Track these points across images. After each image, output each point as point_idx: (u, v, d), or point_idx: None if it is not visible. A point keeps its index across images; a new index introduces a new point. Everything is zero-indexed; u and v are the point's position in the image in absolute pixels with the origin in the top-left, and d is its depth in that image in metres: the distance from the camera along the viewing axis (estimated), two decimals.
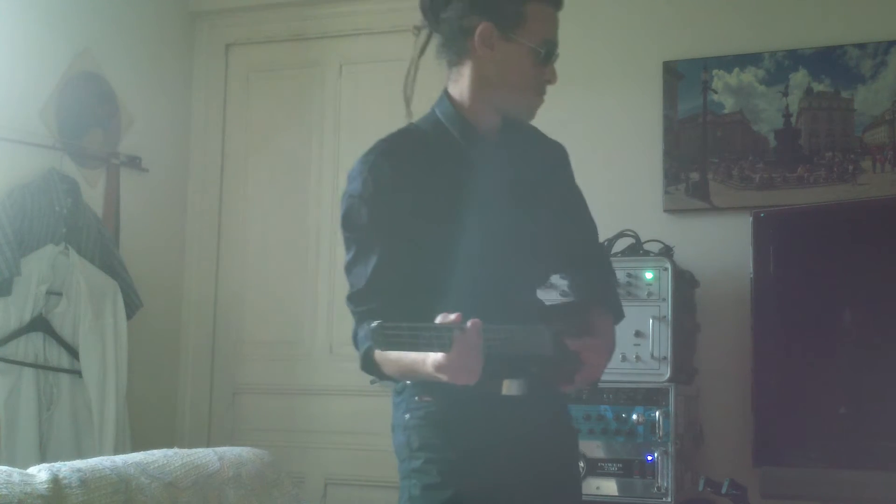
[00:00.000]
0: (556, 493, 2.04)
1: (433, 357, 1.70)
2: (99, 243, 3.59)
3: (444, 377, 1.71)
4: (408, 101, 2.05)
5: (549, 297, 2.32)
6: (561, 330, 1.97)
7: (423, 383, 1.94)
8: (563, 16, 1.98)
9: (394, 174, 1.91)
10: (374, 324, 1.58)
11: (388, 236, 1.90)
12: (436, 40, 2.02)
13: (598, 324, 2.06)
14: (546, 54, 1.96)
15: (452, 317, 1.65)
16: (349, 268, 1.94)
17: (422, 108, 2.09)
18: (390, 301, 1.86)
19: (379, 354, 1.85)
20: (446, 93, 2.03)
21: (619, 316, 2.15)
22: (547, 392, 2.02)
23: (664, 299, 3.03)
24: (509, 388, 1.95)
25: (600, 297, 2.14)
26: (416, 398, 1.96)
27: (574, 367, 1.96)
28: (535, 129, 2.14)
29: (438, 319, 1.66)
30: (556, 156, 2.15)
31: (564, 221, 2.13)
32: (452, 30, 1.96)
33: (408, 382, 1.99)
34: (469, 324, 1.66)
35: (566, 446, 2.13)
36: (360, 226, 1.92)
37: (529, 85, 1.98)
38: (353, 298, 1.93)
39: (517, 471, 1.96)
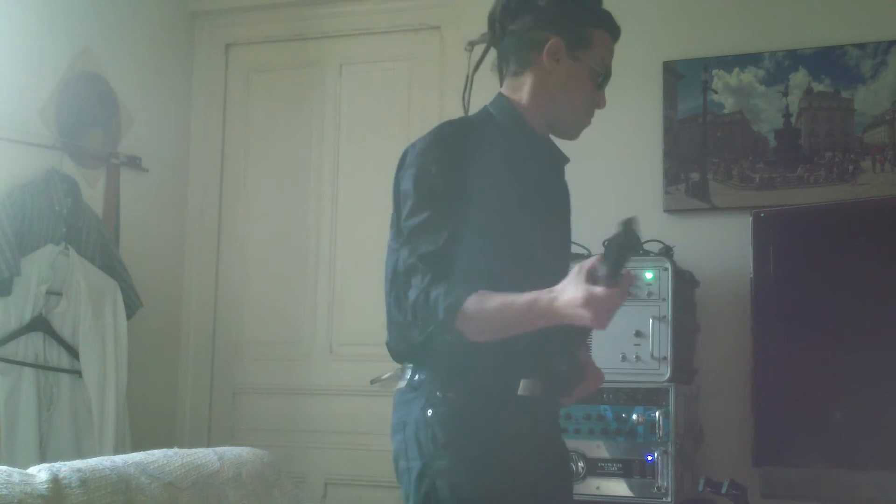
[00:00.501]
0: (554, 500, 2.08)
1: (581, 291, 1.71)
2: (99, 243, 3.59)
3: (585, 313, 1.71)
4: (466, 111, 2.14)
5: None
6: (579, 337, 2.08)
7: (445, 378, 1.93)
8: None
9: (464, 147, 1.96)
10: (632, 218, 1.63)
11: (462, 202, 1.91)
12: (494, 52, 2.11)
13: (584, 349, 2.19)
14: (603, 78, 2.07)
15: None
16: (420, 230, 1.91)
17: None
18: (467, 263, 1.87)
19: (476, 302, 1.81)
20: (502, 95, 2.10)
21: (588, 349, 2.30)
22: (550, 399, 2.06)
23: (664, 299, 3.03)
24: (525, 388, 1.97)
25: None
26: (439, 393, 1.93)
27: (578, 378, 2.03)
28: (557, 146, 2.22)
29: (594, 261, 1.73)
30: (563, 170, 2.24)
31: (567, 242, 2.22)
32: (520, 41, 2.05)
33: (421, 378, 1.96)
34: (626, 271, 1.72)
35: (563, 455, 2.18)
36: (435, 189, 1.92)
37: (583, 104, 2.09)
38: (426, 258, 1.89)
39: (529, 473, 1.98)
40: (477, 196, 1.93)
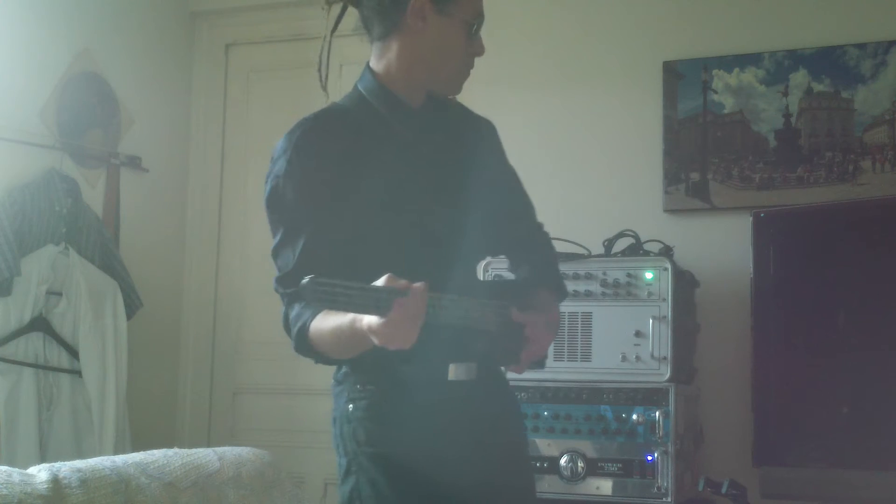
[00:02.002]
0: (511, 481, 1.99)
1: (368, 318, 1.59)
2: (99, 243, 3.59)
3: (376, 340, 1.60)
4: (323, 81, 2.01)
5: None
6: (507, 305, 1.92)
7: (365, 370, 1.87)
8: (563, 16, 1.99)
9: (319, 150, 1.84)
10: (307, 279, 1.48)
11: (316, 215, 1.81)
12: (357, 14, 1.95)
13: (542, 301, 1.99)
14: (476, 27, 1.92)
15: (402, 282, 1.57)
16: (276, 251, 1.84)
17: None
18: (330, 272, 1.70)
19: (314, 330, 1.75)
20: (369, 68, 1.96)
21: (561, 294, 2.09)
22: (494, 375, 1.98)
23: (664, 299, 3.03)
24: (456, 372, 1.89)
25: (542, 276, 2.07)
26: (359, 387, 1.88)
27: (519, 343, 1.91)
28: (461, 106, 2.09)
29: (381, 282, 1.57)
30: (484, 133, 2.08)
31: (496, 200, 2.05)
32: (381, 4, 1.89)
33: (345, 370, 1.91)
34: (415, 286, 1.57)
35: (516, 432, 2.08)
36: (285, 206, 1.83)
37: (460, 58, 1.94)
38: (282, 281, 1.83)
39: (469, 459, 1.89)
40: (336, 193, 1.81)
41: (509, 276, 2.25)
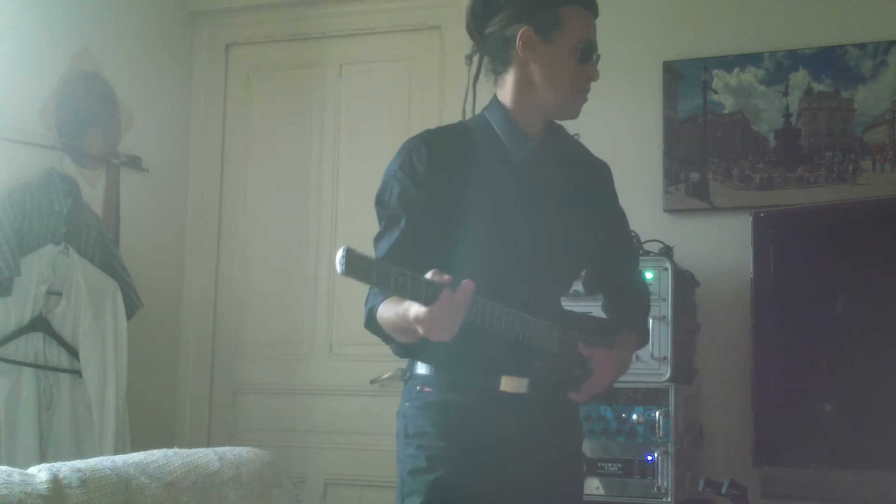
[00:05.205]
0: (554, 493, 2.06)
1: (415, 308, 1.72)
2: (99, 243, 3.59)
3: (420, 329, 1.74)
4: (464, 115, 2.17)
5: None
6: (576, 335, 2.04)
7: (425, 375, 2.04)
8: None
9: (430, 157, 2.00)
10: (343, 247, 1.61)
11: (413, 213, 1.98)
12: (485, 59, 2.13)
13: (618, 340, 2.15)
14: (584, 52, 2.06)
15: (445, 277, 1.70)
16: (376, 240, 2.02)
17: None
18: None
19: (381, 311, 1.91)
20: (495, 97, 2.12)
21: (643, 340, 2.26)
22: (554, 394, 2.05)
23: (664, 299, 3.03)
24: (507, 384, 2.00)
25: (629, 320, 2.23)
26: (418, 388, 2.04)
27: (582, 373, 2.04)
28: (580, 145, 2.24)
29: (429, 275, 1.70)
30: (598, 174, 2.26)
31: (597, 239, 2.19)
32: (497, 42, 2.07)
33: (410, 373, 2.07)
34: (464, 283, 1.70)
35: (568, 450, 2.15)
36: (389, 202, 2.01)
37: (571, 83, 2.07)
38: None
39: (510, 466, 1.99)
40: (439, 199, 1.99)
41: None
